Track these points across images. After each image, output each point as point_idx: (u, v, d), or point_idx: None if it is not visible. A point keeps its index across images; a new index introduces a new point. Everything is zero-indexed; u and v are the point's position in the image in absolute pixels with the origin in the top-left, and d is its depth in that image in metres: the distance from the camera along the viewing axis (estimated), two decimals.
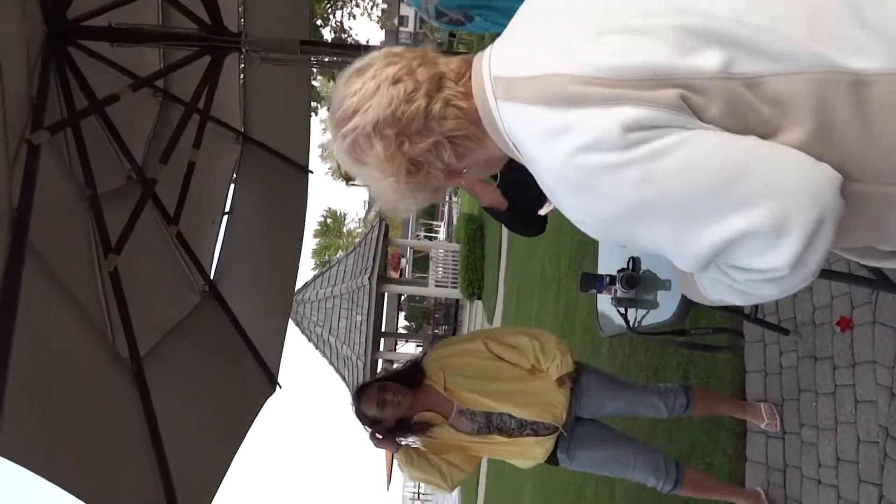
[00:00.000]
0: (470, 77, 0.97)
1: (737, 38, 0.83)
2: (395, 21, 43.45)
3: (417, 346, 24.88)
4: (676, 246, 0.88)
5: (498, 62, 0.94)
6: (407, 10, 45.83)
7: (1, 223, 1.76)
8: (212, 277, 3.24)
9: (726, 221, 0.82)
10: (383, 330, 18.35)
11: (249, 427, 2.81)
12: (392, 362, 20.02)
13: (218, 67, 2.85)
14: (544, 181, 0.94)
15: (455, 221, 24.46)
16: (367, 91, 0.96)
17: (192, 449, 2.47)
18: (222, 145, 3.57)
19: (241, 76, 3.64)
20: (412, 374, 2.86)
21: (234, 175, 3.58)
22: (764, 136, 0.84)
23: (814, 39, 0.82)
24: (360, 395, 2.76)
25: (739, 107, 0.83)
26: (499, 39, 1.00)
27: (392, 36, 44.38)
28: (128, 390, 2.29)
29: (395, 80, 0.95)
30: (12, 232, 1.80)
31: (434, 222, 38.83)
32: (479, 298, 16.70)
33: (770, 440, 3.22)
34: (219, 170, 3.54)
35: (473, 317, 17.74)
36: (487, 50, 0.98)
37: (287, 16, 3.59)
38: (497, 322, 13.45)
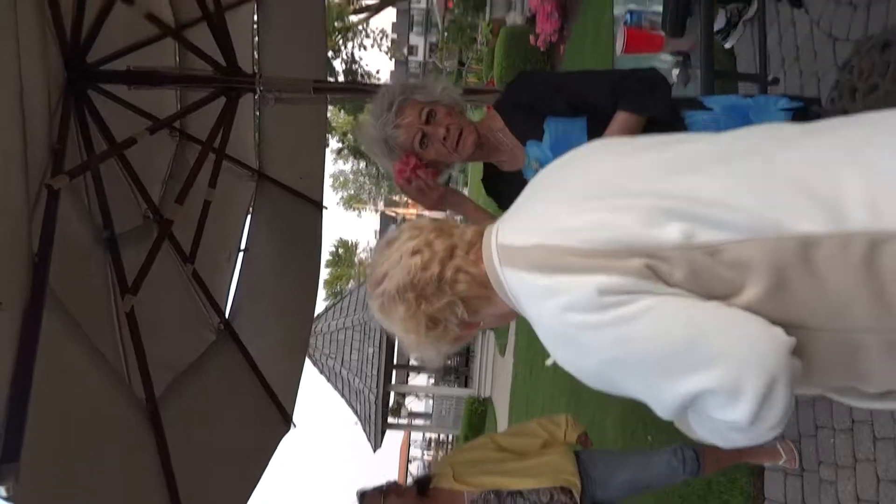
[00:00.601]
0: (481, 246, 1.15)
1: (697, 214, 0.97)
2: (405, 51, 43.98)
3: (429, 377, 24.76)
4: (650, 397, 1.01)
5: (503, 233, 1.12)
6: (416, 40, 46.40)
7: (22, 268, 1.79)
8: (227, 315, 3.26)
9: (689, 379, 0.94)
10: (395, 362, 18.29)
11: (265, 467, 2.80)
12: (404, 395, 19.92)
13: (233, 108, 2.90)
14: (539, 334, 1.09)
15: None
16: (392, 261, 1.16)
17: (207, 490, 2.46)
18: (238, 183, 3.61)
19: (256, 114, 3.69)
20: (419, 483, 2.90)
21: (250, 212, 3.62)
22: (726, 296, 0.95)
23: (765, 208, 0.95)
24: (362, 501, 2.78)
25: (701, 272, 0.96)
26: (506, 214, 1.20)
27: (402, 66, 44.88)
28: (143, 432, 2.29)
29: (414, 252, 1.15)
30: (32, 276, 1.82)
31: None
32: (491, 329, 16.66)
33: (788, 478, 3.17)
34: (234, 207, 3.58)
35: (486, 349, 17.66)
36: (497, 224, 1.17)
37: (301, 55, 3.64)
38: (509, 353, 13.39)
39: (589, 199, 1.05)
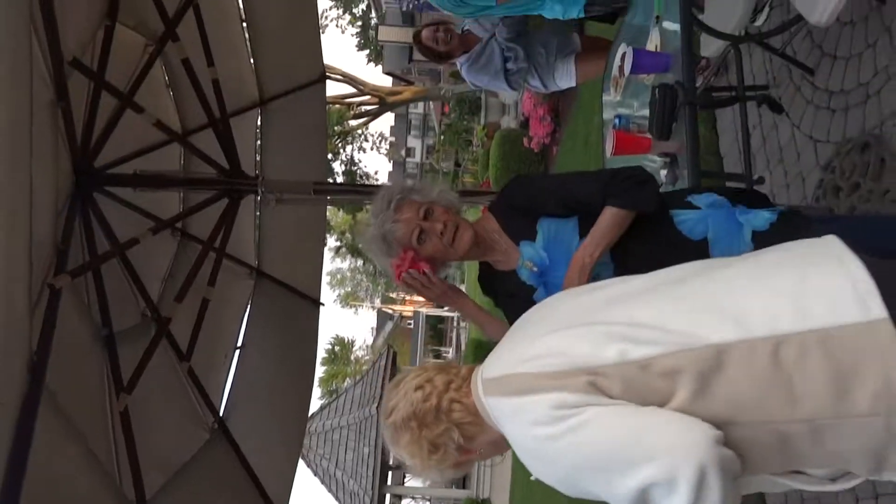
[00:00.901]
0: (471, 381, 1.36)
1: (631, 336, 1.16)
2: (403, 153, 45.16)
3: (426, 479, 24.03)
4: (611, 495, 1.13)
5: (486, 369, 1.33)
6: (413, 143, 47.71)
7: (20, 367, 1.80)
8: (221, 413, 3.23)
9: (634, 474, 1.08)
10: (391, 462, 17.82)
11: None
12: (400, 497, 19.29)
13: (235, 209, 2.98)
14: (517, 453, 1.27)
15: (464, 347, 24.31)
16: (399, 396, 1.38)
17: None
18: (236, 281, 3.65)
19: (257, 214, 3.78)
20: None
21: (248, 309, 3.64)
22: (661, 403, 1.12)
23: (685, 326, 1.14)
24: None
25: (635, 384, 1.13)
26: (491, 353, 1.39)
27: (399, 167, 45.95)
28: None
29: (417, 388, 1.36)
30: (30, 376, 1.84)
31: (442, 348, 38.59)
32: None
33: None
34: (232, 305, 3.61)
35: None
36: (484, 362, 1.37)
37: (302, 158, 3.77)
38: (507, 452, 13.06)
39: (548, 333, 1.27)
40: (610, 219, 1.78)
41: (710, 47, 3.60)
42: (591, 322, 1.24)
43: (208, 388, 3.15)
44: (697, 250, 1.80)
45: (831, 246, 1.19)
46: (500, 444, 1.36)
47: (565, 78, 4.16)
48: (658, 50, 2.94)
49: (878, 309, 1.04)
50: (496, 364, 1.33)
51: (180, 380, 3.09)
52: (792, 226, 1.80)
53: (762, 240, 1.78)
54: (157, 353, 2.73)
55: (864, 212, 3.00)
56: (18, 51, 1.69)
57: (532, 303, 1.96)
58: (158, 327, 2.80)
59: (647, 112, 2.83)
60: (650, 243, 1.83)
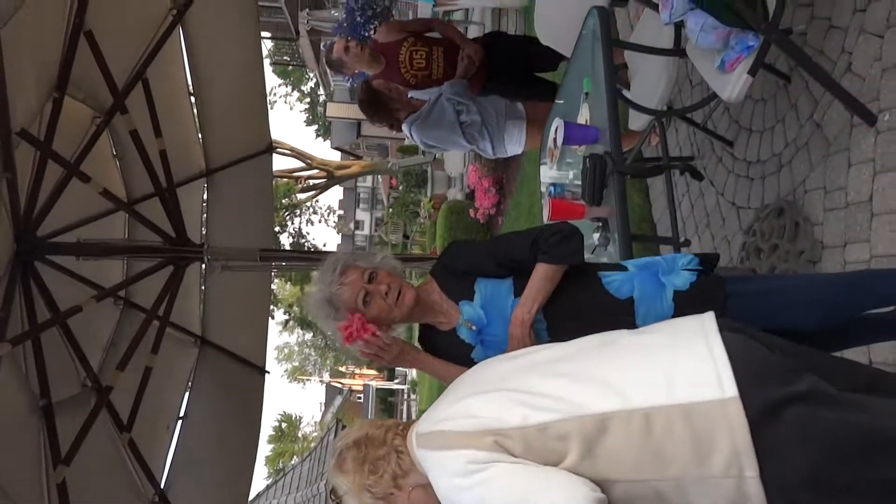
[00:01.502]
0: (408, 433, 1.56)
1: (533, 403, 1.36)
2: (352, 226, 45.29)
3: None
4: None
5: (420, 425, 1.54)
6: (362, 216, 47.97)
7: None
8: (162, 486, 3.16)
9: None
10: None
11: None
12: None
13: (180, 276, 3.00)
14: (440, 497, 1.45)
15: (414, 419, 23.94)
16: (349, 433, 1.61)
17: None
18: (180, 349, 3.63)
19: (202, 281, 3.79)
20: None
21: (191, 378, 3.61)
22: (557, 460, 1.31)
23: (576, 396, 1.34)
24: None
25: (534, 444, 1.33)
26: (426, 412, 1.58)
27: (348, 239, 45.97)
28: None
29: (368, 426, 1.61)
30: None
31: None
32: None
33: None
34: (175, 373, 3.57)
35: None
36: (416, 422, 1.57)
37: (248, 225, 3.83)
38: None
39: (468, 395, 1.48)
40: (542, 275, 1.89)
41: (636, 121, 3.84)
42: (502, 388, 1.44)
43: (149, 459, 3.09)
44: (623, 308, 1.92)
45: (706, 326, 1.40)
46: (430, 494, 1.50)
47: (514, 143, 4.19)
48: (587, 123, 3.14)
49: (731, 389, 1.25)
50: (426, 420, 1.52)
51: (120, 451, 3.03)
52: (709, 286, 1.94)
53: (682, 299, 1.91)
54: (97, 424, 2.69)
55: (781, 271, 3.20)
56: None
57: (471, 359, 2.04)
58: (99, 397, 2.77)
59: (580, 181, 3.00)
60: (580, 301, 1.94)
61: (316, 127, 37.33)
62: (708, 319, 1.43)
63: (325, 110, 30.42)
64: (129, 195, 3.53)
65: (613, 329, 1.90)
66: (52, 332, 2.87)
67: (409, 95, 4.08)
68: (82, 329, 3.00)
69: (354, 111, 29.75)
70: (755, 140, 3.64)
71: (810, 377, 1.30)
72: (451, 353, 2.07)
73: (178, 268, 3.03)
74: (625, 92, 3.70)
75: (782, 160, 3.39)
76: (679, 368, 1.31)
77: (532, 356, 1.57)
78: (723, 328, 1.38)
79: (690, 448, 1.24)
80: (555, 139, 3.39)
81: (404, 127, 4.03)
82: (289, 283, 29.01)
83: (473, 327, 1.97)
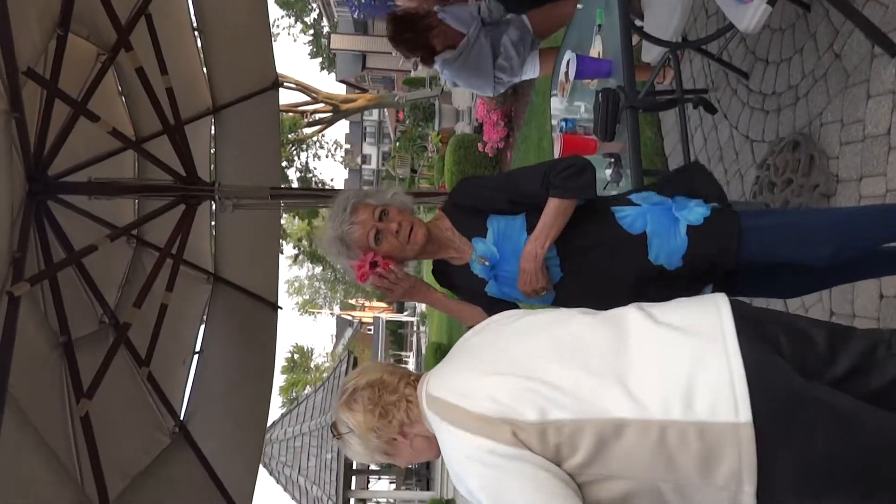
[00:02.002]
0: (417, 386, 1.59)
1: (551, 398, 1.39)
2: (359, 160, 45.04)
3: (391, 482, 23.99)
4: None
5: (431, 384, 1.56)
6: (369, 150, 47.64)
7: None
8: (182, 418, 3.25)
9: None
10: (354, 467, 17.75)
11: None
12: (364, 501, 19.22)
13: (192, 215, 3.01)
14: (445, 456, 1.51)
15: (423, 351, 24.37)
16: (362, 372, 1.63)
17: None
18: (193, 286, 3.67)
19: (213, 220, 3.81)
20: None
21: (205, 315, 3.66)
22: (568, 454, 1.37)
23: (596, 398, 1.38)
24: None
25: (548, 438, 1.37)
26: (435, 368, 1.62)
27: (355, 174, 45.83)
28: None
29: (380, 370, 1.63)
30: None
31: (403, 353, 38.53)
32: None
33: None
34: (190, 310, 3.63)
35: None
36: (429, 375, 1.59)
37: (257, 163, 3.81)
38: None
39: (485, 374, 1.49)
40: (554, 209, 1.89)
41: (650, 53, 3.75)
42: (523, 375, 1.45)
43: (168, 392, 3.17)
44: (636, 244, 1.92)
45: (724, 328, 1.43)
46: (433, 445, 1.57)
47: (531, 69, 4.03)
48: (600, 56, 3.08)
49: (746, 414, 1.32)
50: (439, 382, 1.54)
51: (139, 385, 3.10)
52: (723, 221, 1.94)
53: (695, 234, 1.91)
54: (117, 360, 2.74)
55: (794, 205, 3.18)
56: None
57: (485, 294, 2.07)
58: (118, 333, 2.82)
59: (592, 115, 2.96)
60: (593, 237, 1.94)
61: (320, 59, 36.67)
62: (726, 318, 1.44)
63: (329, 42, 29.86)
64: (136, 134, 3.51)
65: (626, 263, 1.91)
66: (67, 272, 2.91)
67: (438, 14, 3.75)
68: (97, 267, 3.04)
69: (359, 42, 29.21)
70: (771, 71, 3.57)
71: (816, 391, 1.37)
72: (466, 287, 2.09)
73: (190, 206, 3.03)
74: (638, 23, 3.61)
75: (799, 92, 3.32)
76: (699, 386, 1.35)
77: (554, 330, 1.55)
78: (740, 332, 1.41)
79: (699, 461, 1.33)
80: (566, 72, 3.33)
81: (437, 65, 3.79)
82: (297, 217, 29.07)
83: (486, 262, 1.98)
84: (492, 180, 2.05)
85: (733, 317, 1.44)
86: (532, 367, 1.46)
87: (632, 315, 1.52)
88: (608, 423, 1.35)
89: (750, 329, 1.42)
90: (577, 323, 1.54)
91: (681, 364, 1.38)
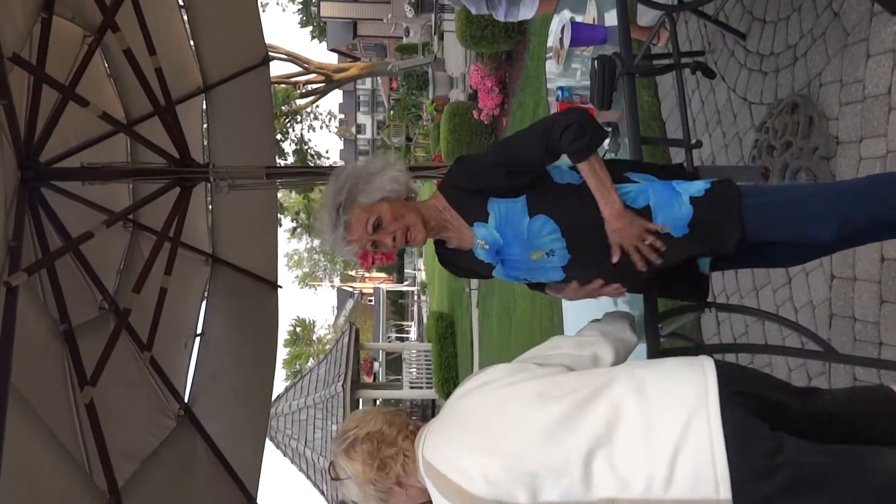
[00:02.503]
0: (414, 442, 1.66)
1: (543, 480, 1.45)
2: (354, 130, 44.71)
3: None
4: None
5: (427, 447, 1.61)
6: (364, 119, 47.26)
7: None
8: (186, 400, 3.26)
9: None
10: None
11: None
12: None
13: (187, 198, 2.98)
14: None
15: (425, 320, 24.48)
16: (361, 421, 1.70)
17: None
18: (192, 269, 3.66)
19: (209, 201, 3.78)
20: None
21: (205, 296, 3.65)
22: None
23: (584, 476, 1.44)
24: None
25: None
26: (431, 426, 1.66)
27: (350, 145, 45.52)
28: None
29: (382, 422, 1.68)
30: None
31: (405, 322, 38.70)
32: None
33: None
34: (189, 293, 3.61)
35: None
36: (425, 432, 1.65)
37: (250, 142, 3.77)
38: None
39: (479, 450, 1.53)
40: (590, 172, 1.85)
41: (645, 16, 3.70)
42: (510, 454, 1.51)
43: (171, 376, 3.17)
44: (641, 216, 1.90)
45: (709, 398, 1.47)
46: (427, 493, 1.63)
47: (528, 7, 4.01)
48: (595, 23, 3.03)
49: (726, 493, 1.38)
50: (435, 448, 1.61)
51: (143, 370, 3.10)
52: (724, 189, 1.92)
53: (699, 203, 1.89)
54: (119, 346, 2.74)
55: (792, 176, 3.15)
56: None
57: (492, 277, 2.06)
58: (118, 319, 2.81)
59: (588, 83, 2.92)
60: (597, 214, 1.92)
61: (311, 28, 36.18)
62: (711, 385, 1.49)
63: (318, 10, 29.44)
64: (127, 116, 3.47)
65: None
66: (65, 259, 2.89)
67: None
68: (94, 253, 3.02)
69: (350, 9, 28.78)
70: (769, 31, 3.51)
71: (789, 453, 1.42)
72: (471, 270, 2.08)
73: (185, 189, 3.00)
74: None
75: (797, 52, 3.28)
76: (681, 462, 1.41)
77: (541, 406, 1.57)
78: (723, 400, 1.46)
79: None
80: (561, 39, 3.28)
81: None
82: (293, 191, 28.96)
83: (486, 245, 1.96)
84: (487, 156, 2.01)
85: (718, 383, 1.49)
86: (522, 448, 1.51)
87: (619, 389, 1.53)
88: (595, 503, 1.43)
89: (731, 388, 1.48)
90: (559, 404, 1.55)
91: (665, 442, 1.44)
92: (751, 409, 1.47)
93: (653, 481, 1.40)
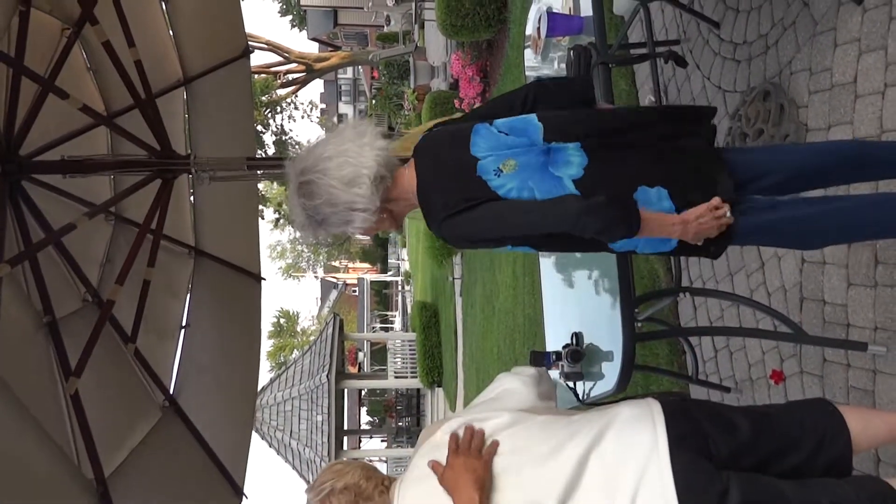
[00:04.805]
0: (391, 490, 1.73)
1: None
2: (335, 120, 44.49)
3: (382, 440, 24.37)
4: None
5: (402, 497, 1.68)
6: (345, 109, 47.04)
7: None
8: (171, 392, 3.28)
9: None
10: (346, 427, 18.00)
11: None
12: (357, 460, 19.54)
13: (169, 189, 3.00)
14: None
15: (409, 310, 24.53)
16: (337, 475, 1.75)
17: None
18: (175, 261, 3.67)
19: (191, 192, 3.79)
20: None
21: (189, 289, 3.67)
22: None
23: None
24: None
25: None
26: (405, 480, 1.72)
27: None
28: None
29: (358, 475, 1.74)
30: None
31: (389, 313, 38.73)
32: (439, 386, 16.64)
33: None
34: (174, 284, 3.63)
35: (436, 405, 17.58)
36: (397, 486, 1.71)
37: (231, 133, 3.78)
38: (459, 408, 13.38)
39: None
40: (646, 235, 1.82)
41: (621, 6, 3.74)
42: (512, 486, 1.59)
43: (156, 367, 3.20)
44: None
45: (659, 446, 1.55)
46: None
47: None
48: (571, 13, 3.07)
49: None
50: (412, 502, 1.66)
51: (127, 362, 3.13)
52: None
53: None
54: (103, 338, 2.76)
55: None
56: None
57: None
58: (102, 310, 2.83)
59: (565, 72, 2.96)
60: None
61: (290, 17, 35.93)
62: (660, 430, 1.58)
63: None
64: (107, 109, 3.47)
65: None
66: (48, 251, 2.90)
67: None
68: (77, 246, 3.03)
69: None
70: (742, 20, 3.58)
71: (736, 494, 1.50)
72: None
73: (167, 181, 3.02)
74: None
75: (769, 41, 3.34)
76: None
77: (504, 461, 1.65)
78: (672, 441, 1.55)
79: None
80: (538, 28, 3.32)
81: None
82: (275, 182, 28.79)
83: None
84: (483, 231, 1.92)
85: (666, 426, 1.59)
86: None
87: (580, 445, 1.61)
88: None
89: (680, 429, 1.59)
90: (527, 456, 1.63)
91: (622, 496, 1.52)
92: (697, 450, 1.56)
93: None
